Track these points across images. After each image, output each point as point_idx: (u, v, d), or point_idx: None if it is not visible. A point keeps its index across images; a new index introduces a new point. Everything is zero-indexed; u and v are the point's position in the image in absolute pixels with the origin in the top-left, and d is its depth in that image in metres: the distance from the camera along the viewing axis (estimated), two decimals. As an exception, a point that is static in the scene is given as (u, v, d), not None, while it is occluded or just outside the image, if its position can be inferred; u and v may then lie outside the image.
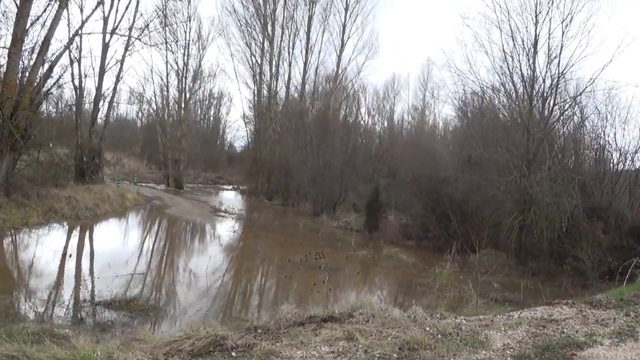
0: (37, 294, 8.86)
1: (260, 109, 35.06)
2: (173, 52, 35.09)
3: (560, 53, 16.14)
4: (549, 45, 16.54)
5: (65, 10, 19.58)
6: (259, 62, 35.95)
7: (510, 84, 17.36)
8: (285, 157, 33.54)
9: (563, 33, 15.95)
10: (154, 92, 36.73)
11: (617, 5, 22.98)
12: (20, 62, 17.35)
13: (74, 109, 25.25)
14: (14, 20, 17.17)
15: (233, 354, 4.12)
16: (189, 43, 35.01)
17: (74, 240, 15.17)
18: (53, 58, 18.83)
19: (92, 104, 25.83)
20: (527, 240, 16.38)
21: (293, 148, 30.95)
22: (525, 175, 16.16)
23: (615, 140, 16.97)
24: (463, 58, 31.48)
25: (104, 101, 26.31)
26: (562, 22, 16.01)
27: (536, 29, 16.57)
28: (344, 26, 36.92)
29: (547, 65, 16.52)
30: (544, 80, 16.65)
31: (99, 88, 25.68)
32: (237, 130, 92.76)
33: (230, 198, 34.44)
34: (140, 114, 56.82)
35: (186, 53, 35.37)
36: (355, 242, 18.23)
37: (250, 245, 17.66)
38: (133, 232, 18.43)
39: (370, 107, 44.98)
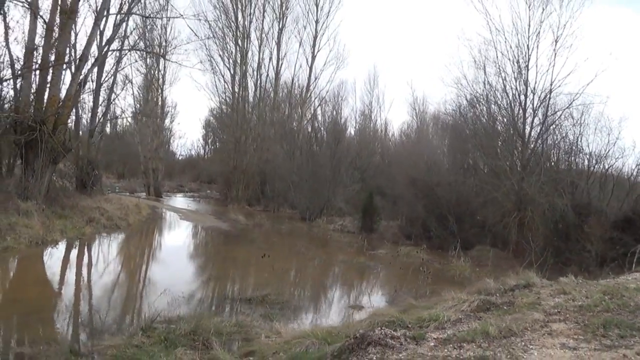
0: (176, 294, 10.02)
1: (238, 119, 36.21)
2: (147, 65, 35.74)
3: (550, 69, 18.95)
4: (536, 65, 19.44)
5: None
6: (232, 72, 37.27)
7: (506, 97, 20.13)
8: (262, 164, 35.14)
9: (554, 53, 18.84)
10: (134, 104, 36.80)
11: (600, 30, 26.84)
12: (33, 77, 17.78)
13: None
14: (45, 37, 17.78)
15: (505, 307, 5.97)
16: (165, 54, 35.47)
17: (146, 248, 16.10)
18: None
19: (90, 116, 26.17)
20: (525, 236, 18.93)
21: (281, 155, 32.48)
22: (523, 179, 18.81)
23: (588, 145, 19.89)
24: (459, 73, 32.36)
25: (100, 114, 26.61)
26: (555, 41, 18.86)
27: (528, 48, 19.38)
28: (315, 38, 38.93)
29: (538, 81, 19.37)
30: (534, 94, 19.51)
31: (95, 100, 26.01)
32: (184, 139, 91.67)
33: (210, 205, 35.32)
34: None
35: (164, 64, 35.97)
36: (362, 243, 20.07)
37: (289, 247, 18.66)
38: (182, 238, 19.28)
39: (323, 113, 47.35)
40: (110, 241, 16.09)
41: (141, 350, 6.09)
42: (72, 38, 22.41)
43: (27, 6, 17.38)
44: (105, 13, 19.07)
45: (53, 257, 12.72)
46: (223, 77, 37.39)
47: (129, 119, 38.38)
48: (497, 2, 27.70)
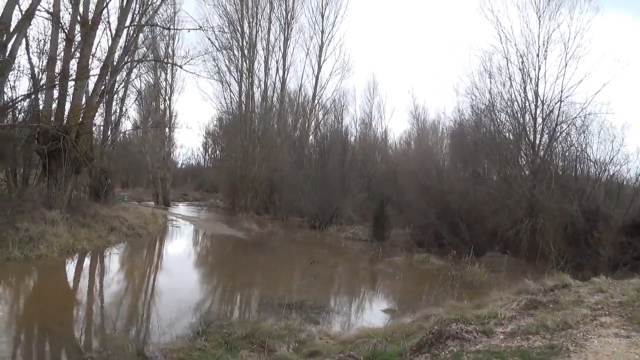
0: (218, 300, 10.39)
1: (245, 129, 36.65)
2: (157, 75, 36.25)
3: (560, 79, 19.63)
4: (545, 75, 20.04)
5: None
6: (238, 82, 37.77)
7: (516, 106, 20.72)
8: (270, 173, 35.60)
9: (565, 63, 19.48)
10: (141, 114, 37.23)
11: (603, 36, 27.55)
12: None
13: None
14: (65, 48, 18.16)
15: (550, 305, 6.40)
16: (173, 64, 35.93)
17: (173, 256, 16.45)
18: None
19: (102, 125, 26.49)
20: (536, 242, 19.31)
21: (289, 164, 32.94)
22: (535, 186, 19.27)
23: (593, 152, 20.37)
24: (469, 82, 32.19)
25: (113, 123, 26.98)
26: (565, 52, 19.54)
27: (538, 58, 20.04)
28: (321, 48, 39.45)
29: (548, 90, 20.00)
30: (543, 104, 20.06)
31: (107, 110, 26.35)
32: (185, 148, 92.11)
33: (219, 214, 35.67)
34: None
35: (172, 74, 36.49)
36: (377, 251, 20.45)
37: (309, 255, 18.45)
38: (205, 246, 19.60)
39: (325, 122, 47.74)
40: (138, 249, 16.44)
41: (205, 353, 6.41)
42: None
43: (50, 18, 17.78)
44: (125, 25, 19.45)
45: (88, 265, 13.09)
46: (229, 86, 37.95)
47: (136, 129, 38.62)
48: (508, 13, 28.31)
